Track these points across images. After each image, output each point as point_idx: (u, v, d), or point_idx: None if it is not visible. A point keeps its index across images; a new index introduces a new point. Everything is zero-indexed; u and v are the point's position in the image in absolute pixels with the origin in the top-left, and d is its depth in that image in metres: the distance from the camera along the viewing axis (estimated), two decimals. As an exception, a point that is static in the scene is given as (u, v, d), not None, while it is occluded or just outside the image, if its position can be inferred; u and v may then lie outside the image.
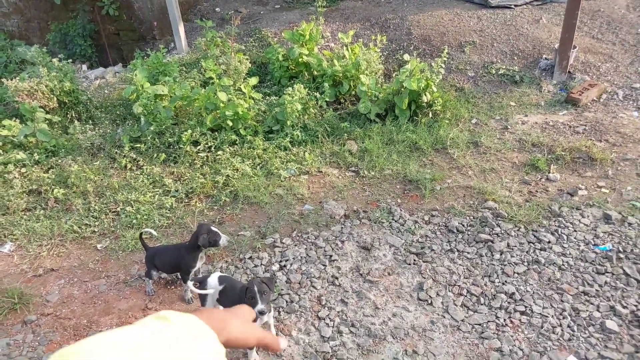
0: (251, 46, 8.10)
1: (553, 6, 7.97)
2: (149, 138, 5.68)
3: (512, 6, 8.05)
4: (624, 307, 3.69)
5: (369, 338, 3.59)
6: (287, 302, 3.89)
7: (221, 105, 5.88)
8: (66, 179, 5.25)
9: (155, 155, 5.54)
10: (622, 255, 4.13)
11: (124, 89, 6.35)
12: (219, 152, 5.63)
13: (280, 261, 4.32)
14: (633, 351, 3.39)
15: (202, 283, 3.48)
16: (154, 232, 4.39)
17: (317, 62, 6.94)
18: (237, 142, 5.84)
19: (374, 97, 6.40)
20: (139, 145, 5.62)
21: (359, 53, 6.83)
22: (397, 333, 3.62)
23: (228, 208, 4.97)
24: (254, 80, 6.38)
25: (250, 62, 7.24)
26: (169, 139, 5.68)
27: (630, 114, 5.95)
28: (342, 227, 4.69)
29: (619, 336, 3.50)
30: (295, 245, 4.49)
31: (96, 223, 4.77)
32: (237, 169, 5.38)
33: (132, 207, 4.87)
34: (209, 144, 5.71)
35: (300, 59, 6.99)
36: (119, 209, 4.89)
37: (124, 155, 5.49)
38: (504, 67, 6.91)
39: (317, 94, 6.36)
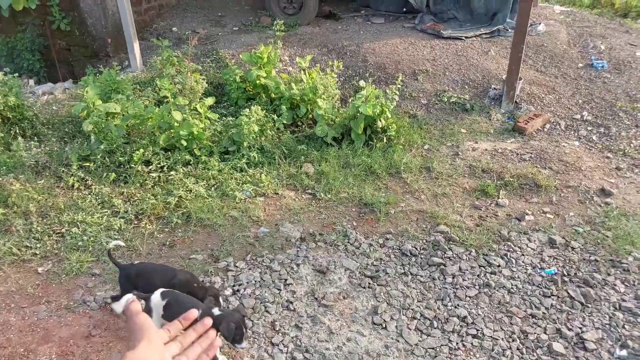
0: (208, 67, 8.04)
1: (500, 39, 8.38)
2: (98, 157, 5.47)
3: (463, 38, 8.40)
4: (570, 330, 3.82)
5: (323, 364, 3.54)
6: (239, 327, 3.78)
7: (175, 124, 5.77)
8: (6, 198, 4.96)
9: (104, 174, 5.34)
10: (566, 279, 4.30)
11: (74, 106, 6.12)
12: (172, 173, 5.49)
13: (234, 285, 4.21)
14: (578, 372, 3.50)
15: (116, 298, 3.58)
16: (121, 243, 4.30)
17: (275, 85, 6.96)
18: (191, 163, 5.73)
19: (331, 121, 6.47)
20: (87, 164, 5.40)
21: (316, 78, 6.91)
22: (351, 358, 3.59)
23: (180, 230, 4.83)
24: (210, 101, 6.32)
25: (207, 83, 7.18)
26: (120, 158, 5.50)
27: (572, 143, 6.28)
28: (297, 250, 4.64)
29: (566, 358, 3.61)
30: (250, 269, 4.40)
31: (38, 245, 4.51)
32: (191, 190, 5.26)
33: (79, 228, 4.65)
34: (162, 164, 5.57)
35: (258, 81, 6.99)
36: (63, 230, 4.65)
37: (72, 174, 5.26)
38: (455, 95, 7.16)
39: (275, 116, 6.36)
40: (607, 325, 3.85)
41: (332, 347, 3.67)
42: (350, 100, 6.70)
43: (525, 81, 7.25)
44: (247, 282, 4.23)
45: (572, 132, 6.50)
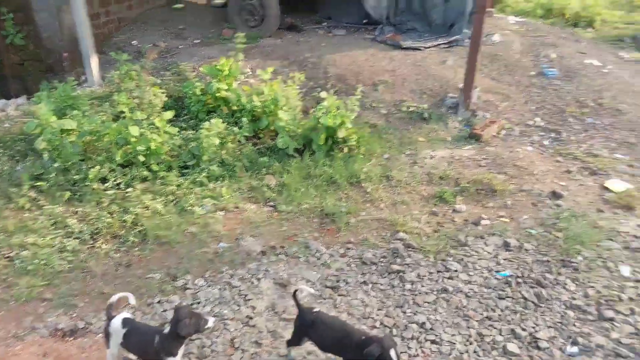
0: (168, 80, 7.97)
1: (458, 49, 8.60)
2: (52, 175, 5.35)
3: (422, 48, 8.59)
4: (523, 330, 3.92)
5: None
6: (198, 347, 3.74)
7: (133, 139, 5.70)
8: (-48, 221, 4.80)
9: (58, 194, 5.22)
10: (520, 280, 4.41)
11: (27, 123, 5.97)
12: (129, 189, 5.42)
13: (192, 304, 4.16)
14: (531, 372, 3.59)
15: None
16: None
17: (236, 97, 6.95)
18: (149, 179, 5.66)
19: (293, 132, 6.50)
20: (40, 183, 5.27)
21: (278, 89, 6.93)
22: (309, 375, 3.59)
23: (136, 249, 4.76)
24: (168, 114, 6.27)
25: (167, 96, 7.12)
26: (75, 177, 5.39)
27: (525, 148, 6.48)
28: (258, 265, 4.63)
29: (520, 358, 3.70)
30: (209, 286, 4.36)
31: (-14, 270, 4.37)
32: (148, 207, 5.19)
33: (29, 251, 4.51)
34: (119, 181, 5.49)
35: (218, 94, 6.97)
36: (12, 253, 4.51)
37: (22, 195, 5.12)
38: (414, 104, 7.30)
39: (236, 129, 6.36)
40: (558, 324, 3.97)
41: (296, 361, 3.66)
42: (311, 112, 6.75)
43: (481, 89, 7.45)
44: (206, 300, 4.19)
45: (526, 138, 6.71)
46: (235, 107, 7.03)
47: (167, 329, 3.19)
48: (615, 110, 7.26)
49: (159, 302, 4.21)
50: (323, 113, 6.22)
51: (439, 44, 8.73)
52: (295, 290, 3.56)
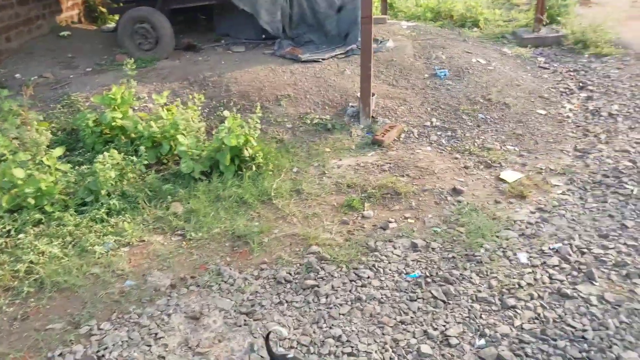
0: (59, 113, 7.50)
1: (355, 58, 8.84)
2: None
3: (320, 60, 8.73)
4: (435, 329, 4.06)
5: (200, 417, 3.39)
6: (105, 397, 3.50)
7: (19, 182, 5.27)
8: None
9: None
10: (429, 280, 4.58)
11: None
12: (21, 236, 5.00)
13: (98, 351, 3.90)
14: (444, 369, 3.72)
15: None
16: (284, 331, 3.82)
17: (133, 125, 6.67)
18: (42, 221, 5.26)
19: (197, 155, 6.33)
20: None
21: (176, 112, 6.74)
22: (229, 404, 3.48)
23: (32, 299, 4.38)
24: (58, 151, 5.88)
25: (59, 130, 6.69)
26: (-46, 229, 4.88)
27: (425, 149, 6.78)
28: (168, 300, 4.44)
29: (433, 358, 3.82)
30: (116, 329, 4.11)
31: None
32: (43, 252, 4.81)
33: None
34: (7, 228, 5.04)
35: (114, 123, 6.65)
36: None
37: None
38: (317, 116, 7.39)
39: (135, 158, 6.09)
40: (467, 319, 4.15)
41: (208, 397, 3.53)
42: (214, 132, 6.62)
43: (379, 95, 7.71)
44: (113, 345, 3.94)
45: (424, 139, 7.02)
46: (133, 135, 6.75)
47: None
48: (502, 104, 7.80)
49: (60, 354, 3.90)
50: (225, 133, 6.12)
51: (337, 54, 8.93)
52: (268, 334, 3.42)
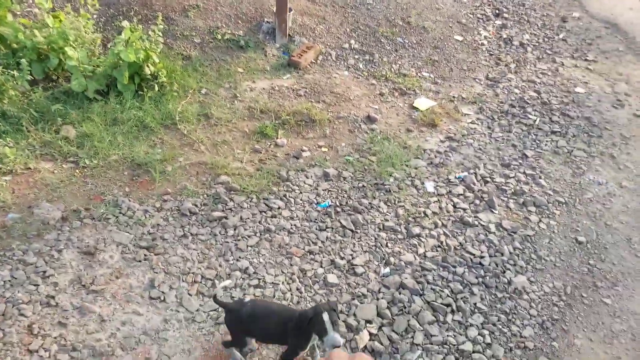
0: None
1: (272, -32, 8.13)
2: None
3: (234, -33, 7.92)
4: (342, 259, 4.09)
5: (94, 358, 3.21)
6: (-16, 343, 3.20)
7: None
8: None
9: None
10: (339, 209, 4.55)
11: None
12: None
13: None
14: (350, 299, 3.78)
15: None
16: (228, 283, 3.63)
17: (14, 33, 5.74)
18: None
19: (90, 72, 5.64)
20: None
21: (65, 20, 5.88)
22: (127, 343, 3.32)
23: None
24: None
25: None
26: None
27: (342, 73, 6.54)
28: (58, 234, 4.05)
29: (339, 287, 3.87)
30: (-4, 268, 3.71)
31: None
32: None
33: None
34: None
35: (-12, 30, 5.68)
36: None
37: None
38: (229, 31, 6.82)
39: (17, 73, 5.30)
40: (373, 247, 4.22)
41: (104, 337, 3.34)
42: (109, 46, 5.89)
43: (297, 12, 7.22)
44: (-7, 287, 3.57)
45: (342, 62, 6.76)
46: (15, 46, 5.84)
47: None
48: (421, 28, 7.64)
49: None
50: (123, 47, 5.45)
51: (253, -37, 8.14)
52: (214, 296, 3.12)
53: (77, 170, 4.74)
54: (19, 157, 4.70)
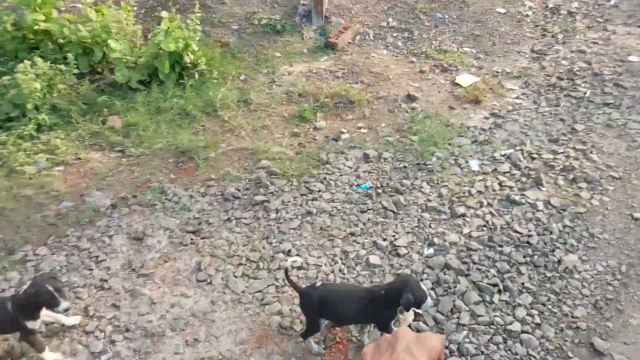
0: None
1: (307, -51, 8.03)
2: None
3: (268, -49, 7.88)
4: (384, 240, 4.06)
5: (146, 339, 3.35)
6: (45, 324, 3.37)
7: None
8: None
9: None
10: (380, 191, 4.51)
11: None
12: (-61, 158, 4.55)
13: (34, 278, 3.70)
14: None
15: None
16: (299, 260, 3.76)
17: (60, 28, 5.95)
18: (-38, 141, 4.78)
19: (132, 63, 5.79)
20: None
21: (107, 14, 6.04)
22: (176, 325, 3.44)
23: (-42, 227, 4.08)
24: (-28, 61, 5.22)
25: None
26: None
27: (381, 52, 6.42)
28: (109, 220, 4.22)
29: (382, 268, 3.84)
30: (53, 254, 3.90)
31: None
32: (-35, 176, 4.42)
33: None
34: None
35: (37, 27, 5.91)
36: None
37: None
38: (266, 16, 6.82)
39: (64, 67, 5.51)
40: (416, 228, 4.16)
41: (155, 319, 3.47)
42: (150, 36, 6.01)
43: (333, -8, 7.14)
44: (51, 270, 3.75)
45: (380, 41, 6.63)
46: (62, 41, 6.05)
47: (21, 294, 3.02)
48: (461, 2, 7.39)
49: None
50: (163, 37, 5.55)
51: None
52: (286, 270, 3.20)
53: (123, 159, 4.90)
54: (69, 148, 4.90)
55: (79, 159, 4.86)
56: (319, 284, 3.20)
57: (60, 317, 3.29)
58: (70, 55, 5.54)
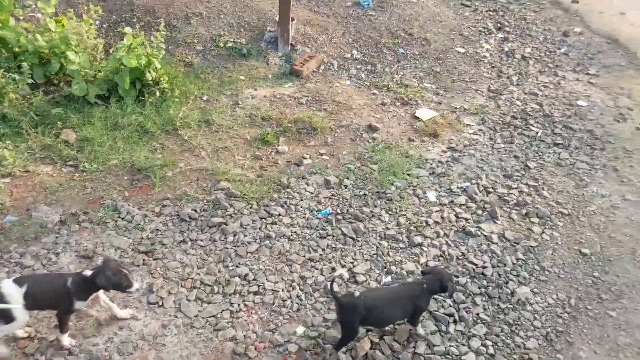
0: None
1: (275, -22, 8.18)
2: None
3: (237, -24, 7.97)
4: (343, 266, 4.03)
5: (90, 364, 3.14)
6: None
7: None
8: None
9: None
10: (340, 217, 4.51)
11: None
12: None
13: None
14: (350, 307, 3.72)
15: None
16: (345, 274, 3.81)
17: (16, 37, 5.74)
18: None
19: (91, 76, 5.63)
20: None
21: (67, 25, 5.88)
22: (124, 349, 3.25)
23: None
24: None
25: None
26: None
27: (344, 82, 6.54)
28: (56, 237, 4.00)
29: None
30: (-8, 270, 3.65)
31: None
32: None
33: None
34: None
35: (-9, 34, 5.68)
36: None
37: None
38: (232, 39, 6.83)
39: (17, 76, 5.29)
40: (374, 256, 4.16)
41: (101, 342, 3.28)
42: (111, 51, 5.89)
43: (300, 22, 7.24)
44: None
45: (344, 72, 6.76)
46: (17, 49, 5.83)
47: (85, 273, 3.16)
48: (423, 39, 7.66)
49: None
50: (125, 52, 5.45)
51: (256, -27, 8.20)
52: (332, 282, 3.27)
53: (76, 174, 4.70)
54: (18, 159, 4.66)
55: (28, 171, 4.63)
56: (357, 293, 3.26)
57: (115, 309, 3.40)
58: (25, 65, 5.34)
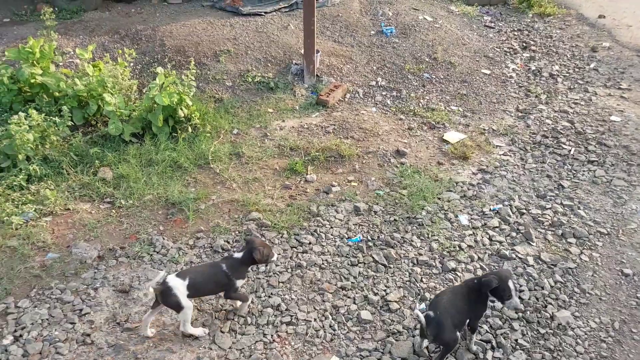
0: (-30, 68, 6.71)
1: (299, 12, 8.41)
2: None
3: (262, 13, 8.26)
4: (375, 294, 4.00)
5: (128, 397, 3.19)
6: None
7: None
8: None
9: None
10: (370, 244, 4.49)
11: None
12: None
13: (15, 331, 3.58)
14: (385, 337, 3.67)
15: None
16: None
17: (56, 82, 6.07)
18: (-50, 191, 4.74)
19: (126, 116, 5.88)
20: None
21: (103, 69, 6.19)
22: (160, 382, 3.29)
23: (-62, 278, 3.96)
24: (-34, 112, 5.26)
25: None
26: None
27: (370, 110, 6.60)
28: (95, 272, 4.13)
29: (373, 324, 3.76)
30: (35, 307, 3.78)
31: None
32: (-49, 225, 4.34)
33: None
34: None
35: (33, 80, 6.02)
36: None
37: None
38: (259, 74, 7.03)
39: (58, 119, 5.57)
40: (407, 282, 4.12)
41: (137, 375, 3.33)
42: (145, 91, 6.14)
43: (324, 53, 7.40)
44: (32, 324, 3.63)
45: (370, 99, 6.83)
46: (57, 94, 6.16)
47: (238, 255, 3.64)
48: (448, 63, 7.69)
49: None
50: (157, 91, 5.68)
51: (280, 8, 8.47)
52: (418, 314, 3.28)
53: (113, 210, 4.86)
54: (59, 198, 4.87)
55: (68, 209, 4.82)
56: (431, 313, 3.28)
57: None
58: (65, 108, 5.62)
